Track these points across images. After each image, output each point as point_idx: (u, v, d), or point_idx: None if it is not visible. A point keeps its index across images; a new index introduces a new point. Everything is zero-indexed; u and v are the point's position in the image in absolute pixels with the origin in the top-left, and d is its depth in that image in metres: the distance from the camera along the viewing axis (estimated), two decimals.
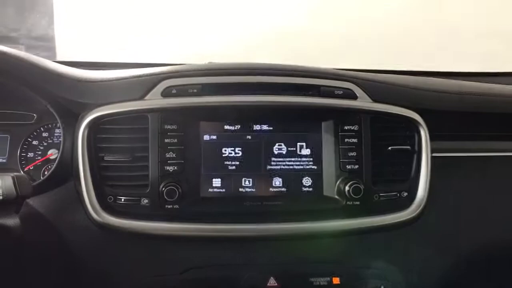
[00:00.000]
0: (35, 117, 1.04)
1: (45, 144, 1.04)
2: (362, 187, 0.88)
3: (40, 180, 0.89)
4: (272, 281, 0.82)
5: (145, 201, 0.85)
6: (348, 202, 0.89)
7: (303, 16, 1.57)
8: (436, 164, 0.95)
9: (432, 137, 0.95)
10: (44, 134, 1.05)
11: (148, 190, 0.85)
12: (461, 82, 1.15)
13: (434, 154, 0.95)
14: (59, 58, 1.46)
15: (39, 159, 1.03)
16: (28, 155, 1.04)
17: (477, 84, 1.15)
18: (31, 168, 1.03)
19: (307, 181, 0.91)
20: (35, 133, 1.04)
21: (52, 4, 1.51)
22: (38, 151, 1.04)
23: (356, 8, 1.59)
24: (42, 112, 1.01)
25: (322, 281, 0.82)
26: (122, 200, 0.85)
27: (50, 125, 1.04)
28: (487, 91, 1.07)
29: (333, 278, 0.83)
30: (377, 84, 0.97)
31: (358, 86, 0.94)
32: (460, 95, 1.05)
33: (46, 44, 1.53)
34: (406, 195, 0.93)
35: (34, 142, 1.04)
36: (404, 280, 0.86)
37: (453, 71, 1.49)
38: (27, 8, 1.52)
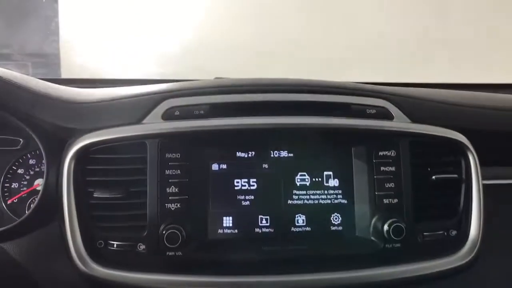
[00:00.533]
0: (21, 142, 0.90)
1: (31, 173, 0.91)
2: (404, 225, 0.72)
3: (24, 217, 0.76)
4: None
5: (141, 247, 0.71)
6: (387, 245, 0.74)
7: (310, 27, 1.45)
8: (488, 194, 0.79)
9: (481, 163, 0.80)
10: (31, 162, 0.91)
11: (145, 234, 0.71)
12: (501, 95, 1.01)
13: (485, 182, 0.80)
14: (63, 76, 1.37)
15: (24, 190, 0.90)
16: (12, 186, 0.90)
17: None
18: (15, 201, 0.89)
19: (336, 218, 0.76)
20: (20, 160, 0.91)
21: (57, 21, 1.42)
22: (24, 180, 0.90)
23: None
24: (29, 136, 0.87)
25: None
26: (115, 245, 0.71)
27: (38, 151, 0.91)
28: None
29: None
30: (414, 100, 0.83)
31: (393, 104, 0.80)
32: (508, 112, 0.90)
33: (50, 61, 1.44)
34: (455, 234, 0.78)
35: (20, 171, 0.90)
36: None
37: (477, 83, 1.36)
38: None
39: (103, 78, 1.39)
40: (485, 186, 0.80)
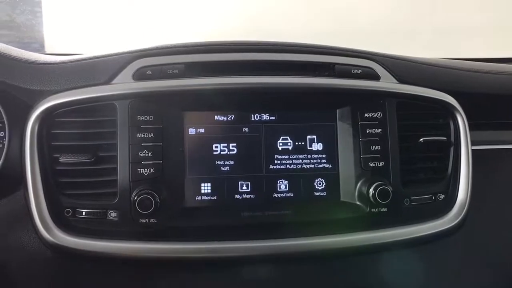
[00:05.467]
0: None
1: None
2: (390, 189, 0.69)
3: None
4: None
5: (112, 214, 0.66)
6: (372, 209, 0.71)
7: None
8: (476, 159, 0.77)
9: (470, 127, 0.77)
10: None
11: (116, 200, 0.66)
12: (493, 64, 0.98)
13: (474, 147, 0.77)
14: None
15: None
16: None
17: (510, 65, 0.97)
18: None
19: (319, 183, 0.72)
20: None
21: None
22: None
23: None
24: None
25: None
26: (83, 213, 0.66)
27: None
28: None
29: None
30: (401, 62, 0.79)
31: (379, 64, 0.76)
32: (497, 75, 0.87)
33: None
34: (443, 198, 0.75)
35: None
36: None
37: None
38: None
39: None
40: (474, 152, 0.77)
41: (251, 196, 0.70)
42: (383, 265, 0.70)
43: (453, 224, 0.72)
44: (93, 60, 0.72)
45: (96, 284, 0.64)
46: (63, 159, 0.67)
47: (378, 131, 0.73)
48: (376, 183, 0.69)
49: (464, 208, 0.73)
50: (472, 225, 0.74)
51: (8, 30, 1.35)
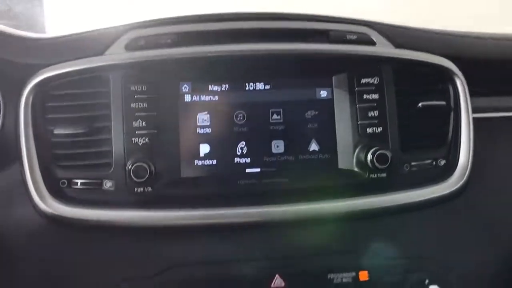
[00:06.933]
0: None
1: None
2: (388, 154, 0.68)
3: None
4: (278, 281, 0.62)
5: (108, 184, 0.66)
6: (371, 175, 0.69)
7: None
8: (476, 127, 0.75)
9: (471, 93, 0.76)
10: None
11: (111, 170, 0.66)
12: (493, 32, 0.96)
13: (474, 115, 0.75)
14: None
15: None
16: None
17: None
18: None
19: (316, 150, 0.71)
20: None
21: None
22: None
23: None
24: None
25: (345, 277, 0.62)
26: (79, 184, 0.66)
27: None
28: None
29: (360, 272, 0.63)
30: (398, 28, 0.78)
31: (375, 30, 0.75)
32: (498, 41, 0.85)
33: None
34: (444, 164, 0.74)
35: None
36: (451, 271, 0.65)
37: None
38: None
39: None
40: (475, 120, 0.75)
41: (248, 160, 0.69)
42: (383, 231, 0.69)
43: (454, 189, 0.71)
44: (85, 34, 0.72)
45: (92, 253, 0.63)
46: (57, 131, 0.66)
47: (375, 97, 0.72)
48: (374, 148, 0.68)
49: (465, 173, 0.72)
50: (474, 191, 0.72)
51: (8, 20, 1.35)
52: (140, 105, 0.67)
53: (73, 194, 0.66)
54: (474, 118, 0.75)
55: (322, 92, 0.72)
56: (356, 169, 0.70)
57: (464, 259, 0.66)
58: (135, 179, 0.63)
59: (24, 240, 0.64)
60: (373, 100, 0.71)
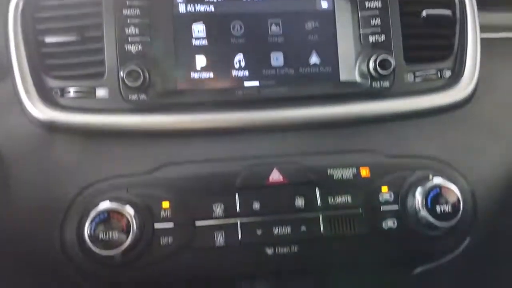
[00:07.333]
0: None
1: None
2: (391, 59, 0.65)
3: None
4: (275, 175, 0.60)
5: (101, 92, 0.64)
6: (374, 84, 0.67)
7: None
8: (483, 45, 0.72)
9: (479, 8, 0.72)
10: None
11: (104, 78, 0.64)
12: None
13: (482, 36, 0.72)
14: None
15: None
16: None
17: None
18: None
19: (317, 64, 0.68)
20: None
21: None
22: None
23: None
24: None
25: (346, 173, 0.60)
26: (71, 92, 0.64)
27: None
28: None
29: (361, 168, 0.61)
30: None
31: None
32: None
33: None
34: (450, 75, 0.71)
35: None
36: (454, 170, 0.63)
37: None
38: None
39: None
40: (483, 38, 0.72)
41: (246, 73, 0.67)
42: (385, 134, 0.66)
43: (458, 99, 0.68)
44: None
45: (85, 156, 0.61)
46: (49, 40, 0.64)
47: (378, 4, 0.68)
48: (377, 54, 0.65)
49: (471, 82, 0.69)
50: (478, 105, 0.69)
51: None
52: (132, 11, 0.64)
53: (66, 102, 0.64)
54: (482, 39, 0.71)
55: (322, 2, 0.70)
56: (358, 80, 0.68)
57: (468, 161, 0.63)
58: (128, 83, 0.61)
59: (19, 149, 0.62)
60: (376, 8, 0.68)
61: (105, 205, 0.54)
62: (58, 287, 0.60)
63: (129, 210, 0.54)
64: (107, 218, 0.54)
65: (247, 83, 0.68)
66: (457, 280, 0.68)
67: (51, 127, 0.62)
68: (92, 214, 0.54)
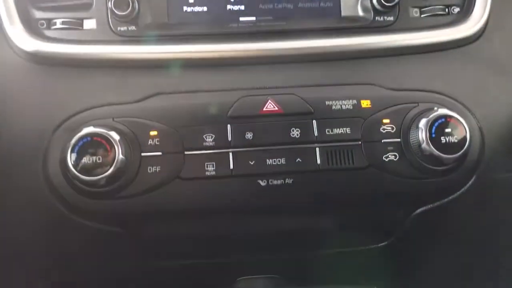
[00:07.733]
0: None
1: None
2: None
3: None
4: (270, 105, 0.57)
5: (89, 23, 0.61)
6: (377, 18, 0.63)
7: None
8: None
9: None
10: None
11: (92, 8, 0.61)
12: None
13: None
14: None
15: None
16: None
17: None
18: None
19: None
20: None
21: None
22: None
23: None
24: None
25: (346, 104, 0.56)
26: (58, 23, 0.61)
27: None
28: None
29: (362, 100, 0.57)
30: None
31: None
32: None
33: None
34: (458, 11, 0.67)
35: None
36: (461, 104, 0.58)
37: None
38: None
39: None
40: None
41: (241, 7, 0.64)
42: (387, 68, 0.62)
43: (469, 33, 0.64)
44: None
45: (74, 86, 0.58)
46: None
47: None
48: None
49: (481, 19, 0.65)
50: (489, 40, 0.65)
51: None
52: None
53: (53, 34, 0.61)
54: None
55: None
56: (361, 14, 0.64)
57: (476, 97, 0.59)
58: (116, 11, 0.58)
59: (3, 80, 0.59)
60: None
61: (89, 129, 0.52)
62: (42, 222, 0.57)
63: (114, 136, 0.51)
64: (90, 142, 0.51)
65: (242, 18, 0.64)
66: (458, 224, 0.64)
67: (37, 59, 0.59)
68: (75, 138, 0.51)
